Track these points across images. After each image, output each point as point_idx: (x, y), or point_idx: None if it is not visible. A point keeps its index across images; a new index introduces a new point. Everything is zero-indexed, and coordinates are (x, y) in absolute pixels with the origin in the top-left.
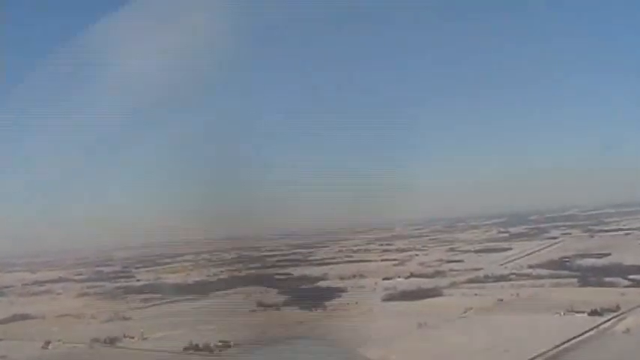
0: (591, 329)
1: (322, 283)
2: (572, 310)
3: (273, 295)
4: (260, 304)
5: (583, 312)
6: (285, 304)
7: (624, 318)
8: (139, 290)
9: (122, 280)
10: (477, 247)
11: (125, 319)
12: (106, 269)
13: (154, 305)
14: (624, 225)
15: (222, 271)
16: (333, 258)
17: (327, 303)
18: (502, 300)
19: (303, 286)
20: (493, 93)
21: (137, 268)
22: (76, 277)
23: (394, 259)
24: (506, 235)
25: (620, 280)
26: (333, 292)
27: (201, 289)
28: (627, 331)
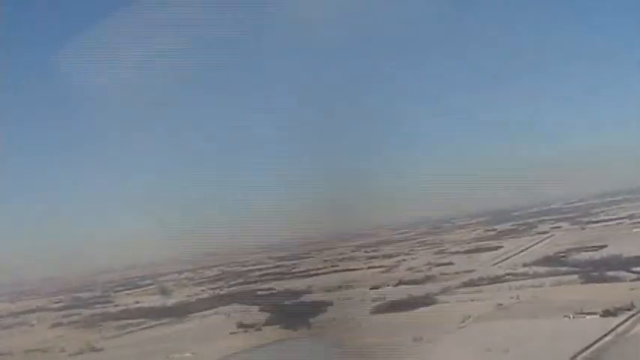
0: (608, 333)
1: (306, 297)
2: (581, 312)
3: (254, 314)
4: (240, 325)
5: (594, 313)
6: (267, 323)
7: None
8: (116, 316)
9: (99, 306)
10: (466, 247)
11: (96, 350)
12: (85, 295)
13: (129, 332)
14: (613, 215)
15: (202, 290)
16: (318, 269)
17: (311, 319)
18: (502, 305)
19: (287, 302)
20: (469, 91)
21: (117, 291)
22: (54, 306)
23: (381, 266)
24: (493, 233)
25: (624, 273)
26: (318, 307)
27: (179, 311)
28: None
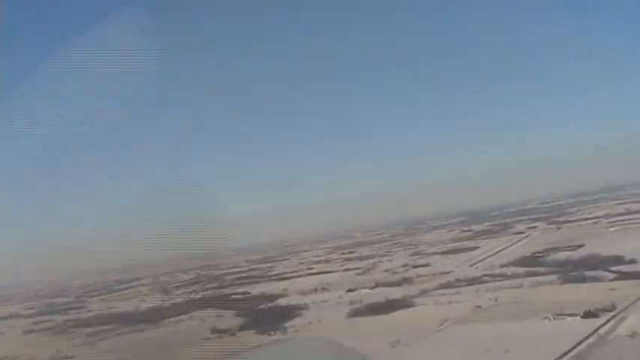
0: (590, 335)
1: (282, 301)
2: (562, 314)
3: (229, 319)
4: (214, 330)
5: (575, 314)
6: (242, 327)
7: (625, 318)
8: (88, 322)
9: (73, 311)
10: (442, 248)
11: (66, 358)
12: (59, 300)
13: (101, 339)
14: (589, 214)
15: (177, 295)
16: (294, 271)
17: (287, 324)
18: (480, 307)
19: (262, 306)
20: (445, 91)
21: (92, 296)
22: (26, 312)
23: (357, 268)
24: (470, 233)
25: (603, 273)
26: (293, 311)
27: (153, 316)
28: (633, 334)
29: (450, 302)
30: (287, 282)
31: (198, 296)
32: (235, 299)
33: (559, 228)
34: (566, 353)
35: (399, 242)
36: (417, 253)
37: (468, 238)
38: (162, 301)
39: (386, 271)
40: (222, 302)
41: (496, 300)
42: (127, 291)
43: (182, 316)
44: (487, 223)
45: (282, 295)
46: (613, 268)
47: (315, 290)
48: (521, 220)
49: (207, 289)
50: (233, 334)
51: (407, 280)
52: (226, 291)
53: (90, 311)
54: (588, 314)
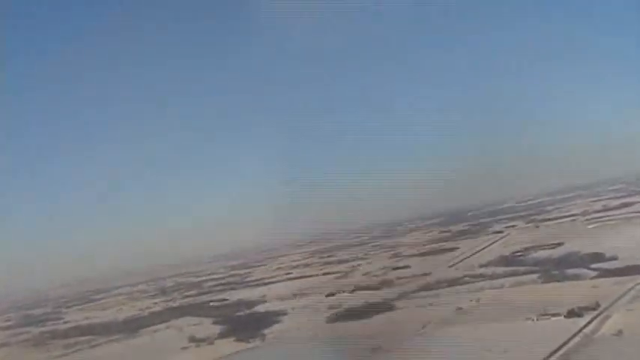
0: (575, 335)
1: (260, 307)
2: (545, 314)
3: (207, 327)
4: (192, 339)
5: (559, 314)
6: (220, 335)
7: (609, 316)
8: (65, 334)
9: (50, 323)
10: (421, 249)
11: None
12: (36, 312)
13: (77, 350)
14: (566, 212)
15: (155, 303)
16: (272, 277)
17: (266, 330)
18: (462, 308)
19: (240, 313)
20: (428, 89)
21: (69, 307)
22: (2, 325)
23: (336, 272)
24: (448, 234)
25: (584, 270)
26: (272, 317)
27: (131, 325)
28: (619, 332)
29: (431, 304)
30: (265, 287)
31: (176, 304)
32: (214, 306)
33: (537, 226)
34: (551, 354)
35: (378, 245)
36: (395, 255)
37: (447, 239)
38: (140, 309)
39: (365, 274)
40: (200, 310)
41: (478, 301)
42: (104, 300)
43: (160, 325)
44: (465, 223)
45: (260, 301)
46: (594, 266)
47: (294, 295)
48: (499, 220)
49: (185, 297)
50: (211, 343)
51: (386, 283)
52: (204, 298)
53: (67, 322)
54: (572, 313)
